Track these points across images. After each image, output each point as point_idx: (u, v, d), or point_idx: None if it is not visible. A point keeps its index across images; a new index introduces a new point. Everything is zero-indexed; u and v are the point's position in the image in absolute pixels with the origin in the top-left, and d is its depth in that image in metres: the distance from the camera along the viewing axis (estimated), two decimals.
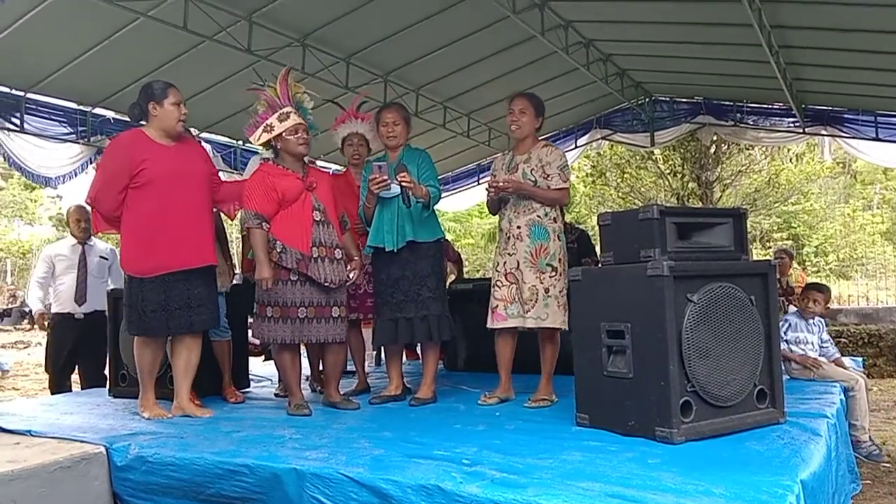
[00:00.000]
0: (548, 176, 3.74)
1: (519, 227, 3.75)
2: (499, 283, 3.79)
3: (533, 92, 4.02)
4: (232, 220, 4.14)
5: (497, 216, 3.98)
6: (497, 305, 3.78)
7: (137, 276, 3.51)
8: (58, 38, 5.85)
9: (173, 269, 3.49)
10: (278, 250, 3.59)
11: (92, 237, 5.42)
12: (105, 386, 4.72)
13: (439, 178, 4.24)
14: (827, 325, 4.78)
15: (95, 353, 5.21)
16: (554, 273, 3.70)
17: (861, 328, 9.35)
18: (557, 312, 3.67)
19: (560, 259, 3.75)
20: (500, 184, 3.73)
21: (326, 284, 3.66)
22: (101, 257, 5.46)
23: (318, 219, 3.69)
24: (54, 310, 5.36)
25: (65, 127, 7.01)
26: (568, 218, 6.02)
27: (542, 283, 3.68)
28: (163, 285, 3.49)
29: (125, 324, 3.69)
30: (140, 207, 3.47)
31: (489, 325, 3.81)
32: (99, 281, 5.40)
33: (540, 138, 4.06)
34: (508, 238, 3.79)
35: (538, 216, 3.73)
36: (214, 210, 3.90)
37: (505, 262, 3.79)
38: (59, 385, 5.34)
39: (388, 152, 4.02)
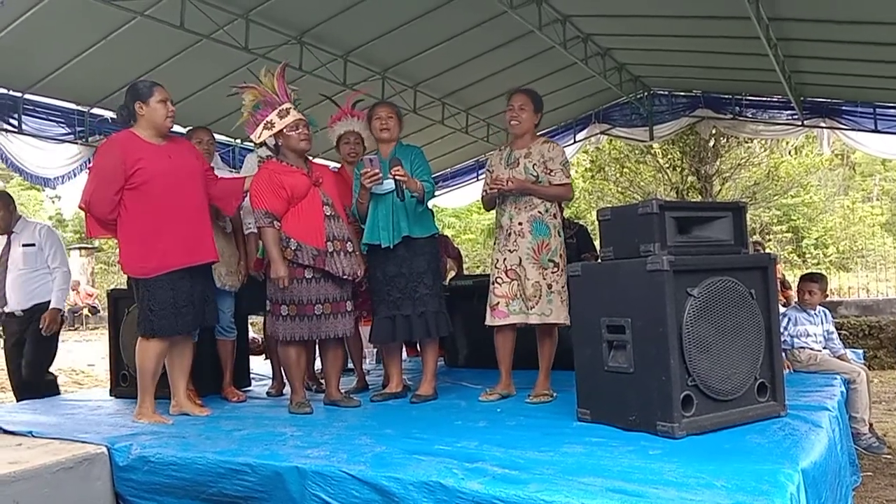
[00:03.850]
0: (550, 171, 3.76)
1: (520, 224, 3.75)
2: (499, 279, 3.78)
3: (531, 88, 4.02)
4: (229, 216, 4.11)
5: (493, 212, 3.98)
6: (497, 302, 3.77)
7: (142, 278, 3.47)
8: (54, 38, 5.83)
9: (176, 267, 3.45)
10: (293, 248, 3.60)
11: (19, 223, 4.95)
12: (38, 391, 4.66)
13: (438, 174, 4.24)
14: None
15: (32, 352, 4.83)
16: (556, 269, 3.72)
17: (862, 320, 9.35)
18: (561, 308, 3.68)
19: (561, 255, 3.77)
20: (505, 184, 3.73)
21: (345, 277, 3.68)
22: (25, 245, 4.87)
23: (328, 213, 3.71)
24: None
25: (63, 127, 6.98)
26: (567, 213, 6.02)
27: (545, 278, 3.69)
28: (170, 283, 3.45)
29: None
30: (138, 208, 3.43)
31: (488, 322, 3.80)
32: (29, 273, 4.85)
33: (538, 133, 4.06)
34: (509, 234, 3.79)
35: (539, 212, 3.74)
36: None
37: (505, 259, 3.78)
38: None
39: (380, 148, 4.02)
